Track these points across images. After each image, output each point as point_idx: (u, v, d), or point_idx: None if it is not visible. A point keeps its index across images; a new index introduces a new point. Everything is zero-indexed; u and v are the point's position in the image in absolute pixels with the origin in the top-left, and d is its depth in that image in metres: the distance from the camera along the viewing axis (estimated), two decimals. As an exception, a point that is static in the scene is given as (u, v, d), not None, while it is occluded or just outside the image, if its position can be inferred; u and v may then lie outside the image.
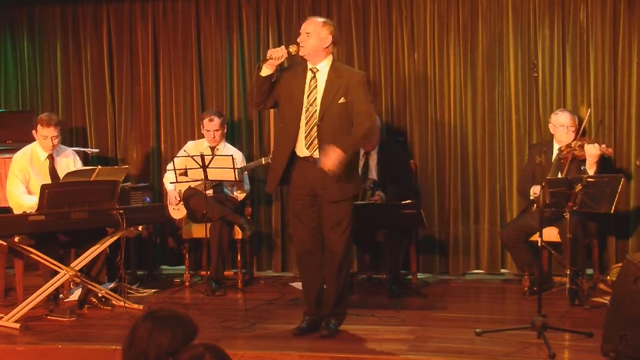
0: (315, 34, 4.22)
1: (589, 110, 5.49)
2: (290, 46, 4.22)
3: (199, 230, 5.64)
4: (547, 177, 4.56)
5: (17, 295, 5.18)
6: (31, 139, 5.31)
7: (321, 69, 4.26)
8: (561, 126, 5.26)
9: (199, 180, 5.52)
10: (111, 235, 4.98)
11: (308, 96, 4.24)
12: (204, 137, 5.88)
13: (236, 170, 5.39)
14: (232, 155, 5.44)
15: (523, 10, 5.84)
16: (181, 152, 5.81)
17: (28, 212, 4.78)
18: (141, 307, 5.00)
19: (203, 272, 5.90)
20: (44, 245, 4.86)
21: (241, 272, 5.80)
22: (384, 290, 5.39)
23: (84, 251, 4.93)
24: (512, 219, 5.65)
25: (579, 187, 4.40)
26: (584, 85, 5.75)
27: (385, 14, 6.06)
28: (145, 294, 5.61)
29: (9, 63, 6.78)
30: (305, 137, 4.22)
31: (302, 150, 4.24)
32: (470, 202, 6.00)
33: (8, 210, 5.26)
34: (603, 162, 5.11)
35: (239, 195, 5.91)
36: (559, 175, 5.02)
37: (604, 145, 5.04)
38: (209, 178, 5.42)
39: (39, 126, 5.21)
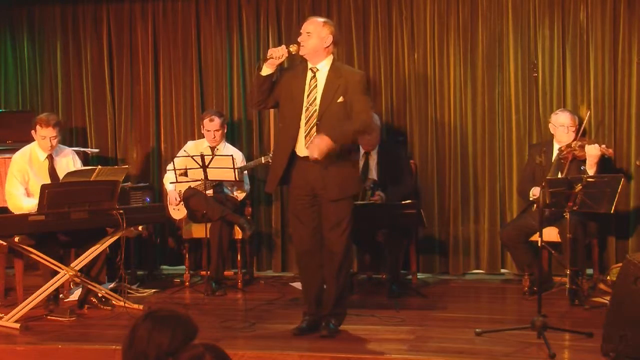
0: (315, 34, 4.22)
1: (589, 113, 5.48)
2: (291, 45, 4.22)
3: (199, 230, 5.64)
4: (547, 177, 4.56)
5: (17, 295, 5.18)
6: (31, 139, 5.31)
7: (321, 68, 4.26)
8: (561, 126, 5.26)
9: (199, 180, 5.52)
10: (111, 235, 4.98)
11: (308, 96, 4.24)
12: (204, 137, 5.88)
13: (236, 170, 5.40)
14: (232, 155, 5.44)
15: (523, 10, 5.84)
16: (181, 152, 5.81)
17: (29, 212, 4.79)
18: (141, 307, 5.00)
19: (203, 272, 5.90)
20: (44, 245, 4.86)
21: (241, 272, 5.80)
22: (384, 290, 5.39)
23: (84, 251, 4.93)
24: (512, 219, 5.65)
25: (579, 187, 4.40)
26: (584, 85, 5.75)
27: (385, 14, 6.06)
28: (145, 294, 5.61)
29: (9, 63, 6.78)
30: (305, 136, 4.22)
31: (302, 150, 4.24)
32: (470, 202, 6.00)
33: (8, 210, 5.25)
34: (603, 163, 5.11)
35: (239, 195, 5.91)
36: (559, 176, 5.02)
37: (603, 146, 5.04)
38: (209, 178, 5.42)
39: (37, 126, 5.21)
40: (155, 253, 6.44)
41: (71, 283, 5.44)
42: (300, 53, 4.25)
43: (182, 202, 5.72)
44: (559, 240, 5.08)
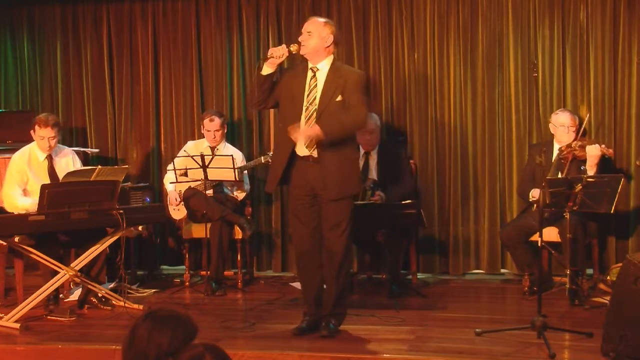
0: (316, 33, 4.23)
1: (588, 115, 5.47)
2: (291, 45, 4.23)
3: (199, 230, 5.64)
4: (547, 177, 4.56)
5: (17, 295, 5.18)
6: (31, 139, 5.30)
7: (321, 68, 4.26)
8: (561, 126, 5.25)
9: (199, 180, 5.52)
10: (111, 235, 4.98)
11: (308, 95, 4.25)
12: (204, 137, 5.88)
13: (236, 170, 5.40)
14: (232, 155, 5.44)
15: (523, 10, 5.84)
16: (181, 152, 5.81)
17: (28, 212, 4.79)
18: (141, 307, 5.00)
19: (203, 272, 5.90)
20: (44, 245, 4.86)
21: (241, 272, 5.80)
22: (384, 290, 5.39)
23: (84, 251, 4.93)
24: (512, 219, 5.65)
25: (579, 187, 4.40)
26: (584, 85, 5.75)
27: (385, 14, 6.06)
28: (145, 294, 5.61)
29: (9, 63, 6.78)
30: (306, 137, 4.22)
31: (301, 150, 4.25)
32: (470, 202, 6.00)
33: (6, 211, 5.25)
34: (603, 163, 5.11)
35: (239, 195, 5.91)
36: (559, 176, 5.02)
37: (603, 146, 5.04)
38: (209, 178, 5.42)
39: (36, 126, 5.21)
40: (155, 253, 6.44)
41: (71, 283, 5.44)
42: (301, 52, 4.25)
43: (182, 202, 5.72)
44: (559, 240, 5.08)
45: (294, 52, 4.23)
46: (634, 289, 3.57)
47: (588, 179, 4.45)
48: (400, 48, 6.06)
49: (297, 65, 4.55)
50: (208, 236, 5.39)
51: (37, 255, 4.81)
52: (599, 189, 4.45)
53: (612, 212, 4.56)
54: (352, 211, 4.29)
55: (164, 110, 6.51)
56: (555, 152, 5.22)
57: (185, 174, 5.56)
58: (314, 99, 4.23)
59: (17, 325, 4.58)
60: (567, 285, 4.79)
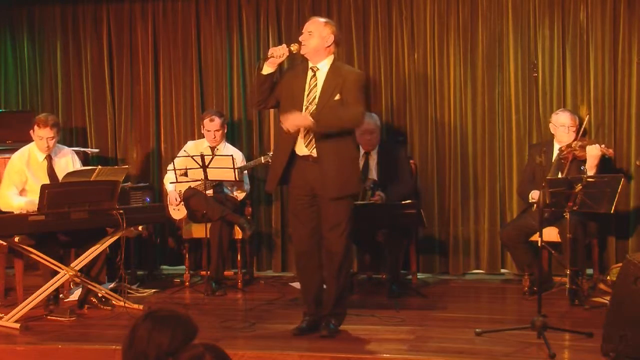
0: (317, 33, 4.23)
1: (587, 117, 5.47)
2: (292, 44, 4.23)
3: (199, 230, 5.64)
4: (547, 177, 4.56)
5: (17, 295, 5.17)
6: (31, 139, 5.30)
7: (321, 68, 4.27)
8: (562, 126, 5.25)
9: (199, 180, 5.52)
10: (111, 235, 4.98)
11: (308, 95, 4.25)
12: (204, 137, 5.88)
13: (236, 170, 5.40)
14: (232, 155, 5.44)
15: (523, 10, 5.84)
16: (181, 152, 5.81)
17: (28, 212, 4.79)
18: (141, 307, 4.99)
19: (203, 272, 5.90)
20: (44, 245, 4.86)
21: (241, 272, 5.80)
22: (384, 290, 5.39)
23: (84, 251, 4.93)
24: (512, 219, 5.65)
25: (579, 187, 4.40)
26: (584, 85, 5.75)
27: (385, 14, 6.06)
28: (145, 294, 5.61)
29: (9, 63, 6.78)
30: (304, 135, 4.22)
31: (301, 149, 4.25)
32: (470, 202, 6.00)
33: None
34: (603, 163, 5.11)
35: (239, 195, 5.91)
36: (559, 176, 5.02)
37: (603, 146, 5.04)
38: (209, 178, 5.42)
39: (35, 126, 5.21)
40: (155, 253, 6.44)
41: (71, 283, 5.44)
42: (301, 52, 4.26)
43: (182, 202, 5.72)
44: (559, 240, 5.07)
45: (294, 52, 4.23)
46: (634, 289, 3.57)
47: (588, 179, 4.45)
48: (400, 48, 6.06)
49: (297, 65, 4.55)
50: (208, 236, 5.39)
51: (37, 255, 4.81)
52: (599, 189, 4.45)
53: (612, 212, 4.56)
54: (352, 211, 4.29)
55: (164, 110, 6.51)
56: (556, 152, 5.22)
57: (185, 174, 5.56)
58: (314, 98, 4.23)
59: (17, 325, 4.58)
60: (567, 285, 4.79)
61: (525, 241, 5.16)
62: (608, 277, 5.26)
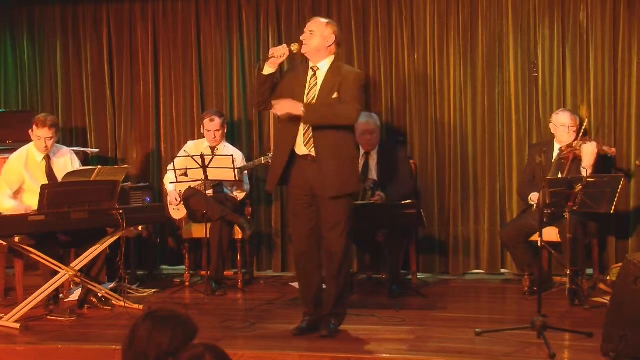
0: (318, 32, 4.24)
1: (586, 119, 5.46)
2: (292, 44, 4.23)
3: (199, 230, 5.64)
4: (547, 177, 4.55)
5: (17, 295, 5.17)
6: (31, 139, 5.30)
7: (322, 67, 4.27)
8: (562, 126, 5.25)
9: (199, 180, 5.52)
10: (111, 235, 4.98)
11: (308, 94, 4.26)
12: (204, 137, 5.88)
13: (236, 170, 5.40)
14: (232, 155, 5.44)
15: (523, 10, 5.84)
16: (181, 152, 5.81)
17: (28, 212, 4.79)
18: (141, 307, 4.99)
19: (203, 272, 5.90)
20: (44, 245, 4.86)
21: (241, 272, 5.80)
22: (384, 290, 5.39)
23: (84, 251, 4.93)
24: (512, 219, 5.65)
25: (579, 187, 4.40)
26: (584, 85, 5.75)
27: (385, 14, 6.07)
28: (145, 294, 5.61)
29: (9, 63, 6.78)
30: (304, 134, 4.23)
31: (301, 149, 4.25)
32: (470, 202, 6.00)
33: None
34: (603, 162, 5.11)
35: (239, 195, 5.91)
36: (559, 176, 5.02)
37: (606, 146, 5.04)
38: (209, 178, 5.42)
39: (34, 126, 5.20)
40: (155, 253, 6.44)
41: (71, 283, 5.44)
42: (302, 51, 4.26)
43: (182, 202, 5.72)
44: (559, 240, 5.07)
45: (295, 52, 4.23)
46: (634, 289, 3.57)
47: (588, 179, 4.45)
48: (400, 48, 6.06)
49: (298, 65, 4.56)
50: (208, 236, 5.39)
51: (37, 255, 4.81)
52: (599, 189, 4.45)
53: (612, 212, 4.56)
54: (352, 211, 4.29)
55: (164, 110, 6.51)
56: (556, 152, 5.22)
57: (185, 174, 5.56)
58: (314, 97, 4.24)
59: (17, 325, 4.58)
60: (567, 285, 4.79)
61: (525, 241, 5.16)
62: (608, 277, 5.26)
